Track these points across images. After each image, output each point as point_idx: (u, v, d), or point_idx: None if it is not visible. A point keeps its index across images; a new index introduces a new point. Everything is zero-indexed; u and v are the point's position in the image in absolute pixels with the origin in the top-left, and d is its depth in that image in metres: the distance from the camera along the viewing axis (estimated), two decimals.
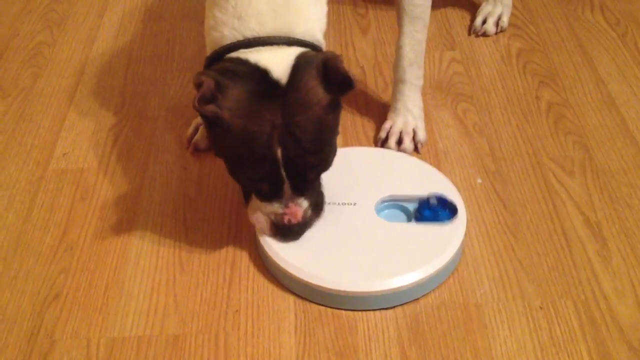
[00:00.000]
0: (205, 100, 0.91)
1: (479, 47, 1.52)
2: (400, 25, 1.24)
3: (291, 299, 1.04)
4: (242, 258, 1.10)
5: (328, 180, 1.08)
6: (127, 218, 1.17)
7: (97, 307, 1.04)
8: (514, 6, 1.60)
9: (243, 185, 1.05)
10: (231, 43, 0.97)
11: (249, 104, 0.93)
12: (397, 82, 1.28)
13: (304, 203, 1.02)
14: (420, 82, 1.28)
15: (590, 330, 0.99)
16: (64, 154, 1.30)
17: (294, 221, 1.02)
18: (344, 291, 1.01)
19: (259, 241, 1.07)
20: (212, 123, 0.94)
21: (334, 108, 0.98)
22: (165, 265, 1.09)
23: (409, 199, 1.12)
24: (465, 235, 1.08)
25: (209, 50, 1.01)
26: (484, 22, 1.55)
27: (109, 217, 1.17)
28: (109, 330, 1.00)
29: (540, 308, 1.01)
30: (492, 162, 1.25)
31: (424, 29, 1.24)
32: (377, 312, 1.02)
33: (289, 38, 0.97)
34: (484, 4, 1.58)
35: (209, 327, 1.01)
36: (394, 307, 1.02)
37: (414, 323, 1.00)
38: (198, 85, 0.90)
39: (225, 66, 0.95)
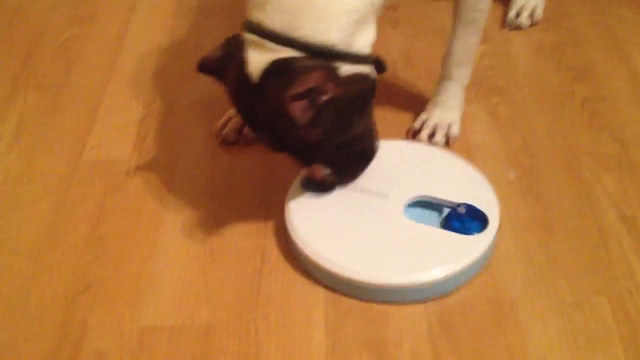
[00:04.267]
0: (206, 68, 1.04)
1: (511, 41, 1.51)
2: (454, 26, 1.22)
3: (321, 291, 1.04)
4: (272, 249, 1.10)
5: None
6: (157, 209, 1.17)
7: (129, 297, 1.04)
8: None
9: None
10: (245, 20, 0.99)
11: (234, 90, 1.01)
12: (443, 77, 1.27)
13: (321, 170, 1.06)
14: (467, 81, 1.27)
15: (625, 327, 0.97)
16: (96, 146, 1.31)
17: (315, 177, 1.08)
18: (375, 284, 1.00)
19: (289, 233, 1.07)
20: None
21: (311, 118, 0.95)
22: (196, 256, 1.10)
23: (441, 202, 1.10)
24: (494, 246, 1.06)
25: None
26: (518, 15, 1.53)
27: (139, 208, 1.18)
28: (140, 320, 1.01)
29: (575, 304, 1.00)
30: (526, 156, 1.23)
31: (478, 32, 1.22)
32: (408, 306, 1.01)
33: (284, 36, 0.94)
34: None
35: (240, 318, 1.01)
36: (425, 301, 1.01)
37: (446, 317, 0.99)
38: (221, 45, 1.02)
39: (235, 41, 1.00)
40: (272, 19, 0.95)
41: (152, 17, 1.66)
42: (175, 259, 1.09)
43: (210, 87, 1.43)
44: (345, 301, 1.02)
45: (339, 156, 1.05)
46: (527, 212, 1.13)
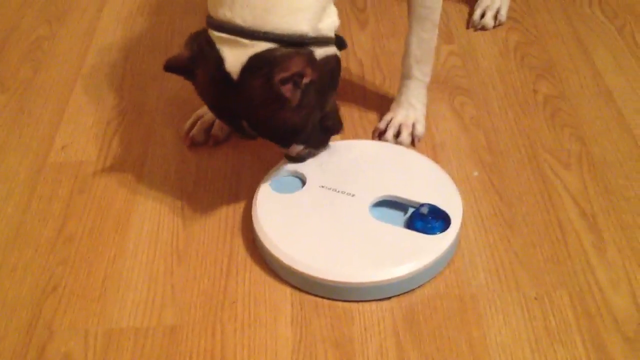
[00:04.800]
0: (174, 67, 1.04)
1: (476, 41, 1.53)
2: (409, 23, 1.24)
3: (288, 290, 1.05)
4: (240, 250, 1.11)
5: (335, 167, 1.14)
6: (124, 210, 1.18)
7: (95, 298, 1.04)
8: None
9: None
10: (210, 17, 1.01)
11: (210, 88, 1.02)
12: (403, 76, 1.28)
13: (297, 147, 1.11)
14: (427, 79, 1.29)
15: (584, 321, 0.99)
16: (63, 147, 1.30)
17: (292, 154, 1.13)
18: (340, 282, 1.01)
19: (256, 232, 1.08)
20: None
21: (288, 101, 1.00)
22: (163, 257, 1.10)
23: (405, 202, 1.12)
24: (457, 244, 1.08)
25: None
26: (483, 15, 1.55)
27: (107, 209, 1.18)
28: (106, 321, 1.01)
29: (535, 299, 1.02)
30: (489, 154, 1.25)
31: (432, 29, 1.24)
32: (373, 303, 1.02)
33: (256, 31, 0.97)
34: None
35: (206, 318, 1.01)
36: (389, 298, 1.03)
37: (410, 314, 1.01)
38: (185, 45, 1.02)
39: (203, 39, 1.01)
40: (242, 16, 0.97)
41: (120, 17, 1.65)
42: (142, 260, 1.09)
43: (180, 87, 1.44)
44: (311, 299, 1.03)
45: (313, 133, 1.09)
46: (489, 209, 1.15)
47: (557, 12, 1.59)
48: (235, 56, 0.97)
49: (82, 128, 1.35)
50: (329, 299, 1.03)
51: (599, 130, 1.29)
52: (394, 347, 0.97)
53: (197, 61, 1.01)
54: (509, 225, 1.12)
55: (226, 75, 0.98)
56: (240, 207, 1.17)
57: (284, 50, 0.97)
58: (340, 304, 1.02)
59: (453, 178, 1.16)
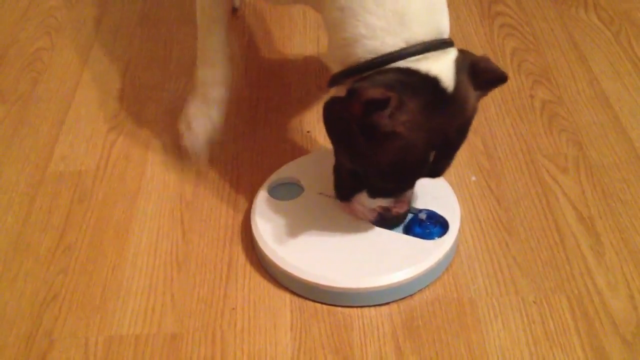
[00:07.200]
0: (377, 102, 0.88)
1: (473, 47, 1.54)
2: None
3: (287, 296, 1.05)
4: (239, 257, 1.11)
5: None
6: (124, 219, 1.18)
7: (95, 307, 1.05)
8: (508, 6, 1.61)
9: (375, 186, 1.01)
10: (395, 51, 0.91)
11: (424, 117, 0.91)
12: None
13: (409, 194, 1.05)
14: None
15: (583, 324, 0.99)
16: (63, 157, 1.31)
17: (401, 212, 1.05)
18: (339, 288, 1.02)
19: (256, 240, 1.09)
20: (376, 136, 0.91)
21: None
22: (163, 265, 1.10)
23: None
24: (455, 249, 1.09)
25: (355, 58, 0.93)
26: None
27: (106, 218, 1.19)
28: (106, 329, 1.01)
29: (534, 302, 1.02)
30: (487, 160, 1.26)
31: None
32: (372, 309, 1.02)
33: (443, 40, 0.93)
34: None
35: (206, 325, 1.02)
36: (388, 303, 1.03)
37: (409, 318, 1.01)
38: (378, 100, 0.87)
39: (395, 78, 0.90)
40: (425, 32, 0.92)
41: (119, 29, 1.66)
42: (141, 268, 1.10)
43: (179, 97, 1.44)
44: (310, 305, 1.04)
45: None
46: (487, 214, 1.16)
47: (554, 19, 1.60)
48: (446, 70, 0.91)
49: (81, 138, 1.35)
50: (328, 305, 1.03)
51: (596, 135, 1.29)
52: (393, 352, 0.97)
53: (405, 98, 0.89)
54: (507, 230, 1.13)
55: (441, 93, 0.91)
56: (239, 214, 1.17)
57: (471, 53, 0.96)
58: (339, 309, 1.03)
59: (451, 183, 1.16)
